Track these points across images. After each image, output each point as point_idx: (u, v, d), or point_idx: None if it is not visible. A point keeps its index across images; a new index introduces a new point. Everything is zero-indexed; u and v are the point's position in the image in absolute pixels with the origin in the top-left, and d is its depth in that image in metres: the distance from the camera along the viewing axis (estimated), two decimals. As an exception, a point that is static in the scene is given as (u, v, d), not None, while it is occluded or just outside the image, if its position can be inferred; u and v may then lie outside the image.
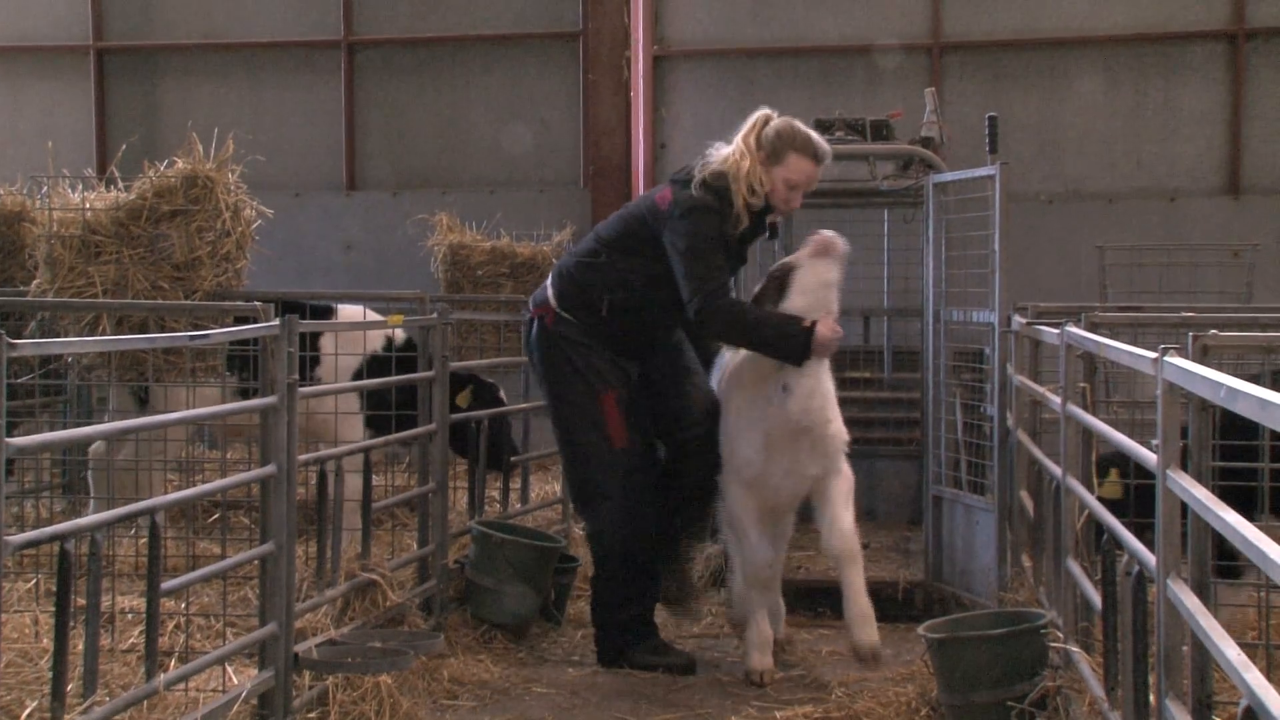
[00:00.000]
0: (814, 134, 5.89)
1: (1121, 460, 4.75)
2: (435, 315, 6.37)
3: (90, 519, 3.78)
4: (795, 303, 5.58)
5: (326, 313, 7.28)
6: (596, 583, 6.19)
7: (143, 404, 6.96)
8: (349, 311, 7.32)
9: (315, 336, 6.93)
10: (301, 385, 4.77)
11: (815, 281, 5.59)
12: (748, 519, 5.83)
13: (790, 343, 5.52)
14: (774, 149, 5.75)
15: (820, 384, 5.66)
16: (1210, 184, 10.44)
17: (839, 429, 5.77)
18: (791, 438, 5.67)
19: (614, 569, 6.07)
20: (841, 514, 5.72)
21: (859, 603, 5.64)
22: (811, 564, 7.45)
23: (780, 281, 5.68)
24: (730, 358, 6.01)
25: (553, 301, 5.97)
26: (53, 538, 3.54)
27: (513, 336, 9.34)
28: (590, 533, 6.22)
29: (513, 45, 11.28)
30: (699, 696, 5.69)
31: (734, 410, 5.85)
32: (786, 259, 5.87)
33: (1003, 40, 10.63)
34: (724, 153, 5.82)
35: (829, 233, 5.68)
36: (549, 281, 6.10)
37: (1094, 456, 4.72)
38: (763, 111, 5.88)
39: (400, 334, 7.20)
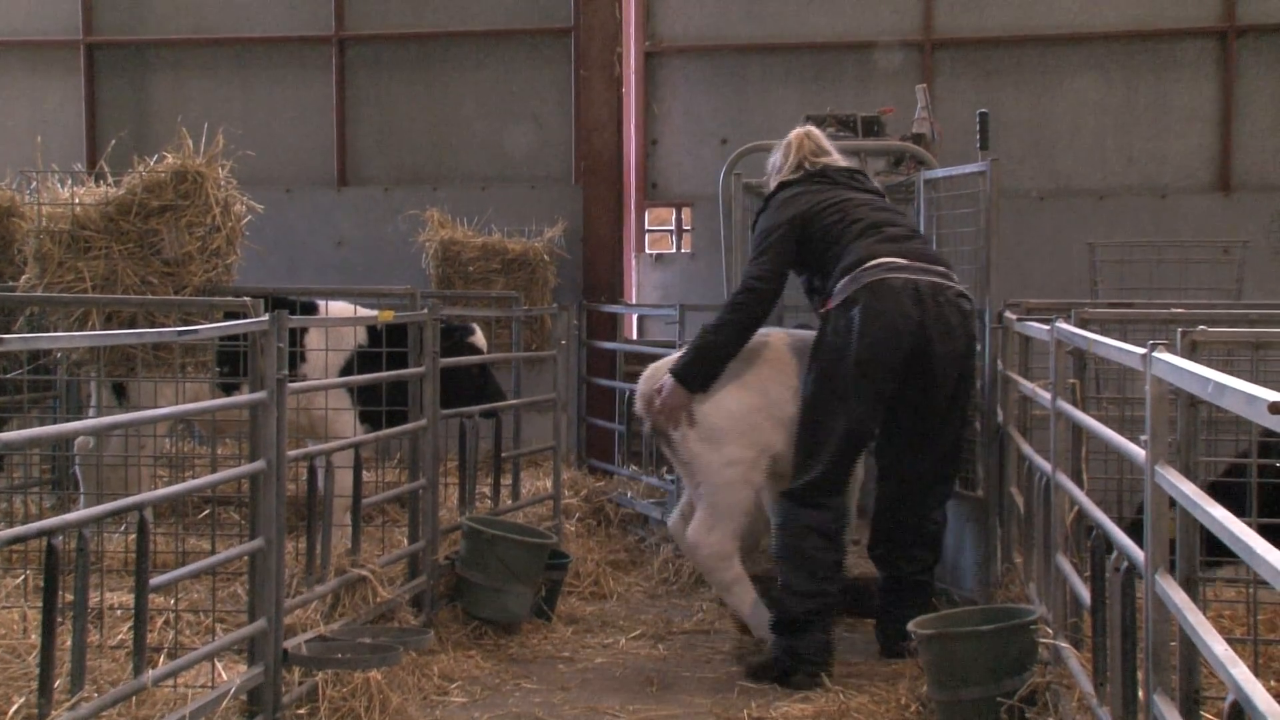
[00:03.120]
0: None
1: None
2: (426, 311, 6.36)
3: (78, 514, 3.77)
4: None
5: (312, 309, 7.24)
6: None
7: (123, 398, 6.93)
8: (337, 309, 7.28)
9: (301, 333, 6.89)
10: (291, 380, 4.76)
11: None
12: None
13: None
14: None
15: None
16: (1201, 181, 10.44)
17: None
18: None
19: None
20: None
21: None
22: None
23: None
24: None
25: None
26: (40, 533, 3.53)
27: (503, 333, 9.32)
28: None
29: (504, 41, 11.25)
30: (691, 691, 5.69)
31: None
32: None
33: (994, 37, 10.63)
34: None
35: None
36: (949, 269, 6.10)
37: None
38: None
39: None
